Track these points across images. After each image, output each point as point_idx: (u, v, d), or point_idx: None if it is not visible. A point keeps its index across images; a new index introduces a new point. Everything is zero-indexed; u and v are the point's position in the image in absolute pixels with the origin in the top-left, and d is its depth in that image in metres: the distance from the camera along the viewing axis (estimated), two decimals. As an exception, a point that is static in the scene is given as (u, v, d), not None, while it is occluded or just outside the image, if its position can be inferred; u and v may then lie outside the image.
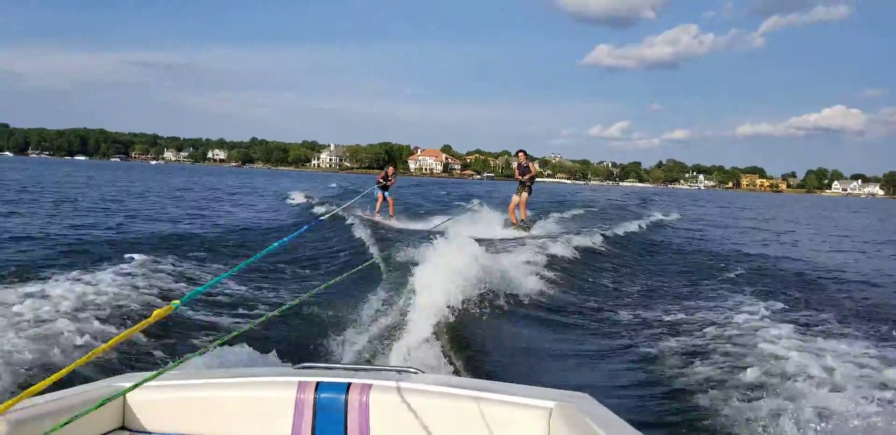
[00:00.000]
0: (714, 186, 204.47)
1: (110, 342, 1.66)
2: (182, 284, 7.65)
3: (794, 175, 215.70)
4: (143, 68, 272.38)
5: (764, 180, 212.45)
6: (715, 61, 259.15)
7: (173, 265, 8.76)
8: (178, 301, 1.84)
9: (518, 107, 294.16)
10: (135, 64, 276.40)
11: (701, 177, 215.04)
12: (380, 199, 17.30)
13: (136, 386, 1.72)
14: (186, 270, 8.63)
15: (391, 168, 17.86)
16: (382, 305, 6.47)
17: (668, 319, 7.30)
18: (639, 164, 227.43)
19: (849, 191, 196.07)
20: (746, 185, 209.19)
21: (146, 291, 6.91)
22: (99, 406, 1.64)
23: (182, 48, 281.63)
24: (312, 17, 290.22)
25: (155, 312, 1.75)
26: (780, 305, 7.73)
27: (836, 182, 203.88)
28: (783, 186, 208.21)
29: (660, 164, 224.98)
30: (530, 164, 15.12)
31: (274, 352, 4.80)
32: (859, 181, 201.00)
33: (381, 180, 17.37)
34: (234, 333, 2.22)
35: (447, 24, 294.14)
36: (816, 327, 6.56)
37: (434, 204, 28.01)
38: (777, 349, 5.40)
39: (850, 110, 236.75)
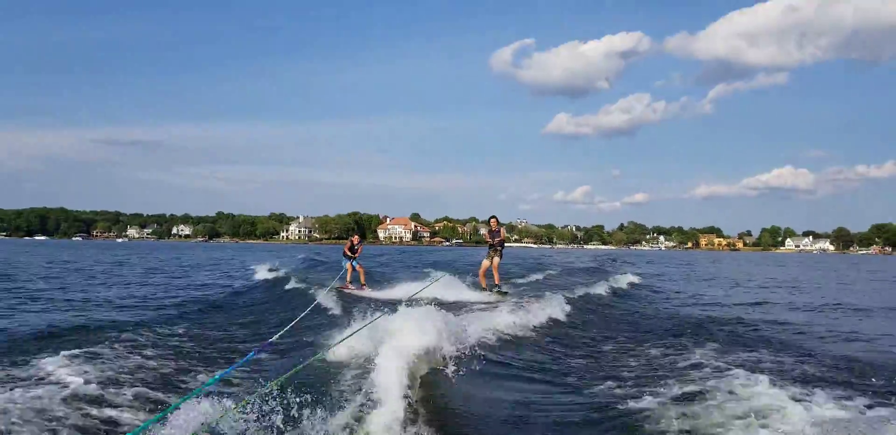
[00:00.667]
0: (674, 247, 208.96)
1: None
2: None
3: (749, 234, 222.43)
4: (105, 146, 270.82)
5: (721, 239, 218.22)
6: (668, 127, 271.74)
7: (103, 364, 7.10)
8: None
9: (485, 175, 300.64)
10: (97, 142, 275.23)
11: (661, 238, 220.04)
12: (349, 270, 17.22)
13: None
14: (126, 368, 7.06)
15: (356, 237, 17.88)
16: (342, 385, 6.07)
17: (640, 375, 7.38)
18: (602, 227, 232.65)
19: (801, 247, 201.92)
20: (705, 244, 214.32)
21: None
22: None
23: (146, 125, 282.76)
24: (277, 92, 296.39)
25: None
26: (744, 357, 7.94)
27: (789, 239, 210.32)
28: (740, 245, 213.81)
29: (621, 227, 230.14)
30: (501, 230, 15.47)
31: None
32: (810, 238, 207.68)
33: (349, 251, 17.39)
34: None
35: (415, 97, 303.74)
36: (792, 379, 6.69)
37: (405, 271, 28.06)
38: (759, 404, 5.47)
39: (798, 170, 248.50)
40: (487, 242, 15.66)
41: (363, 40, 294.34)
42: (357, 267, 17.14)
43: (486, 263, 15.30)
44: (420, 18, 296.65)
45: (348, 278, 17.10)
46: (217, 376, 2.85)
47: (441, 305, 9.12)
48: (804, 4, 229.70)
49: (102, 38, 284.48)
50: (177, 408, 4.56)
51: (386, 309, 7.43)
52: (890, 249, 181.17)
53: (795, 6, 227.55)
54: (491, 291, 15.06)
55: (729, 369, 7.10)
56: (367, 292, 16.13)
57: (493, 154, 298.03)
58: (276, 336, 8.44)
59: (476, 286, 15.64)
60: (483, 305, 12.81)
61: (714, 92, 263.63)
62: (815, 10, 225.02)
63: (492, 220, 15.65)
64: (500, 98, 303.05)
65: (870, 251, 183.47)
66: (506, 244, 15.72)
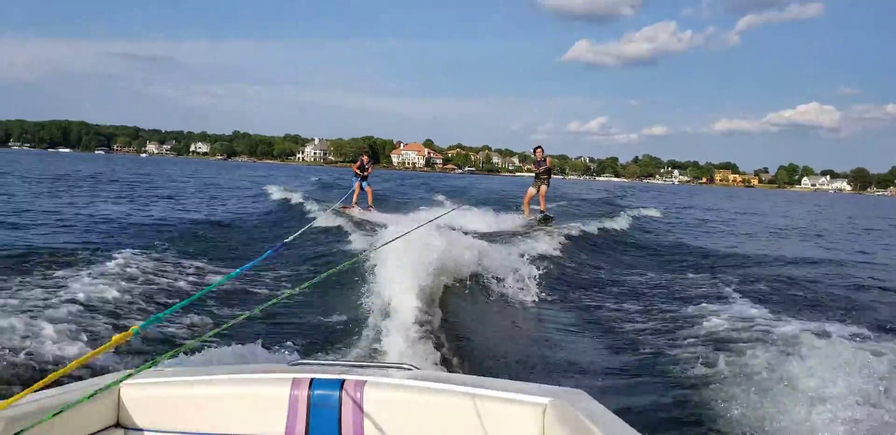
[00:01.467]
0: (688, 181, 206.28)
1: (63, 370, 1.54)
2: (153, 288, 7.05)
3: (766, 171, 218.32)
4: (122, 60, 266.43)
5: (737, 175, 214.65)
6: (693, 58, 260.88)
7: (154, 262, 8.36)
8: (137, 327, 1.74)
9: (498, 102, 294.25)
10: (114, 55, 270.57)
11: (676, 172, 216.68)
12: (356, 190, 16.58)
13: (128, 376, 1.72)
14: (164, 271, 8.09)
15: (365, 156, 17.26)
16: (373, 301, 6.19)
17: (662, 314, 7.16)
18: (616, 159, 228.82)
19: (817, 186, 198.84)
20: (720, 180, 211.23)
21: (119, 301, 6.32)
22: (90, 397, 1.66)
23: (162, 40, 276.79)
24: (294, 11, 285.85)
25: (113, 338, 1.69)
26: (763, 290, 7.74)
27: (805, 178, 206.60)
28: (755, 182, 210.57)
29: (636, 160, 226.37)
30: (547, 159, 15.22)
31: (267, 349, 4.69)
32: (828, 177, 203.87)
33: (358, 171, 16.72)
34: (226, 326, 2.08)
35: (430, 20, 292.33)
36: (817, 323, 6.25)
37: (412, 197, 27.35)
38: (774, 345, 5.25)
39: (824, 107, 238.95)
40: (533, 171, 15.48)
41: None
42: (366, 187, 16.60)
43: (531, 190, 15.10)
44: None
45: (354, 199, 16.52)
46: (234, 272, 2.76)
47: (465, 233, 8.89)
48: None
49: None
50: (196, 299, 4.44)
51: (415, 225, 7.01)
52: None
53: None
54: (536, 218, 14.82)
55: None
56: (374, 215, 15.55)
57: (509, 81, 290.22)
58: (291, 238, 8.32)
59: (519, 211, 15.52)
60: (505, 235, 12.20)
61: (743, 22, 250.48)
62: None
63: (537, 150, 15.30)
64: (520, 22, 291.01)
65: (886, 193, 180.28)
66: (549, 173, 15.15)
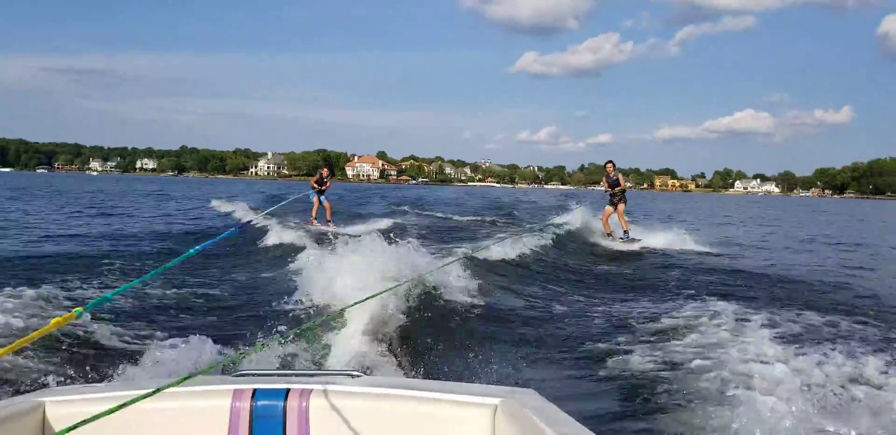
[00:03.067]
0: (631, 187, 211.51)
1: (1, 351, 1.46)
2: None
3: (703, 176, 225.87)
4: (58, 74, 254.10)
5: (675, 181, 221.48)
6: (635, 68, 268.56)
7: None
8: (80, 308, 1.64)
9: (450, 113, 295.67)
10: (47, 70, 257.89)
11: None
12: (315, 205, 16.17)
13: (55, 392, 1.62)
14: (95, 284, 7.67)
15: (325, 170, 16.66)
16: (320, 306, 6.11)
17: (612, 312, 7.17)
18: (563, 168, 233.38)
19: (748, 189, 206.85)
20: (660, 185, 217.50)
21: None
22: (12, 416, 1.53)
23: (98, 54, 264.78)
24: (239, 24, 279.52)
25: (53, 320, 1.56)
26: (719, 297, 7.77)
27: (738, 182, 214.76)
28: (692, 186, 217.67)
29: (582, 168, 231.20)
30: (619, 176, 14.31)
31: (206, 359, 4.45)
32: (758, 180, 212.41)
33: (316, 184, 16.17)
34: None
35: (380, 33, 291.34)
36: (753, 315, 6.48)
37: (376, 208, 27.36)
38: (720, 341, 5.32)
39: (759, 114, 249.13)
40: (606, 190, 14.38)
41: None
42: (324, 202, 16.14)
43: (608, 209, 14.33)
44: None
45: (313, 213, 16.20)
46: (192, 251, 2.76)
47: None
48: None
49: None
50: (147, 280, 4.32)
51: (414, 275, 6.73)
52: (830, 192, 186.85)
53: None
54: (618, 238, 14.28)
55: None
56: (333, 228, 15.22)
57: (459, 92, 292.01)
58: (257, 217, 8.31)
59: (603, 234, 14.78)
60: (451, 244, 12.27)
61: (682, 33, 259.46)
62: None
63: (608, 165, 14.48)
64: (468, 34, 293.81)
65: (808, 194, 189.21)
66: (623, 191, 14.15)
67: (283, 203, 12.60)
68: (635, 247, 13.68)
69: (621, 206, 14.13)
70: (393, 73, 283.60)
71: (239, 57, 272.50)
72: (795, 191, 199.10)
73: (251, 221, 8.31)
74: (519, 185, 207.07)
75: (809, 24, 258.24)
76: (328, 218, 16.18)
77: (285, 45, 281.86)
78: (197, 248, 2.96)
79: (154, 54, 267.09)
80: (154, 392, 1.86)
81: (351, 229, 14.84)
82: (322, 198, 16.14)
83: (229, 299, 7.37)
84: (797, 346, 5.11)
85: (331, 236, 11.46)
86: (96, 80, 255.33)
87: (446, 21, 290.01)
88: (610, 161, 14.62)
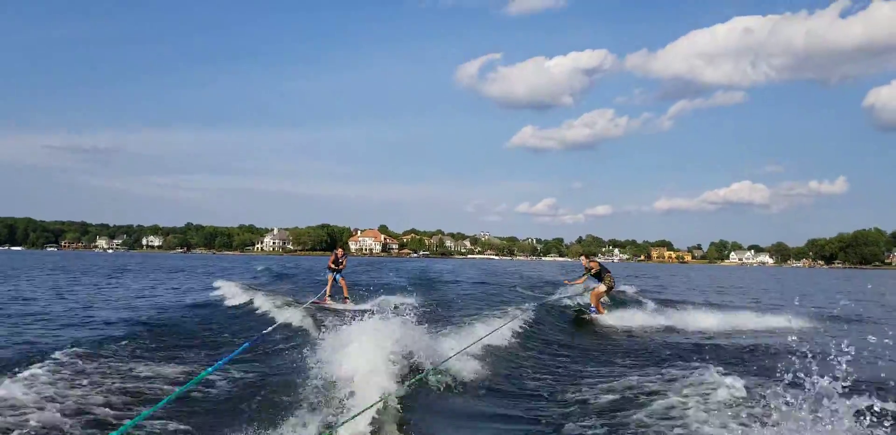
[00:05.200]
0: (628, 259, 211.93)
1: None
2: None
3: (699, 247, 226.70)
4: (63, 153, 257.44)
5: (671, 253, 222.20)
6: (630, 142, 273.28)
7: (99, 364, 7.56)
8: None
9: (450, 186, 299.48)
10: (53, 148, 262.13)
11: (616, 251, 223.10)
12: (330, 282, 16.26)
13: None
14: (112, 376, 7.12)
15: (340, 250, 16.85)
16: (324, 391, 5.90)
17: (611, 394, 6.99)
18: (561, 240, 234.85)
19: (743, 260, 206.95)
20: (657, 257, 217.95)
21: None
22: None
23: (101, 131, 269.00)
24: (239, 99, 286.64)
25: None
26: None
27: (733, 253, 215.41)
28: (688, 258, 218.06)
29: (579, 240, 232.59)
30: (591, 264, 15.70)
31: None
32: (752, 251, 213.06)
33: (333, 265, 16.36)
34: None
35: (381, 108, 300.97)
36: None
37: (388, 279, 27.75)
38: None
39: (755, 185, 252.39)
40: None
41: (328, 46, 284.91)
42: (339, 280, 16.35)
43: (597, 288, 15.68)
44: (387, 28, 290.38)
45: (328, 291, 16.29)
46: (211, 368, 2.73)
47: None
48: (758, 26, 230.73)
49: (56, 37, 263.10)
50: (174, 399, 4.23)
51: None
52: (822, 263, 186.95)
53: (750, 28, 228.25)
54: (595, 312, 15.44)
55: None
56: (351, 306, 15.21)
57: (459, 165, 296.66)
58: (270, 329, 8.38)
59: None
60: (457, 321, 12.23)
61: (674, 108, 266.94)
62: (769, 32, 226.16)
63: (582, 257, 16.67)
64: (466, 110, 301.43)
65: (800, 264, 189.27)
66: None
67: (316, 296, 13.66)
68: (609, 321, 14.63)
69: (601, 287, 15.43)
70: (394, 146, 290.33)
71: (241, 132, 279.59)
72: (789, 262, 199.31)
73: (265, 332, 8.45)
74: (518, 257, 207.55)
75: (799, 98, 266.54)
76: (345, 295, 16.17)
77: (281, 119, 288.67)
78: (212, 368, 3.03)
79: (157, 130, 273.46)
80: None
81: (368, 305, 14.69)
82: (337, 276, 16.37)
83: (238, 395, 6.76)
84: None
85: (347, 312, 11.76)
86: (100, 158, 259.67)
87: (446, 97, 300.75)
88: (583, 254, 17.21)
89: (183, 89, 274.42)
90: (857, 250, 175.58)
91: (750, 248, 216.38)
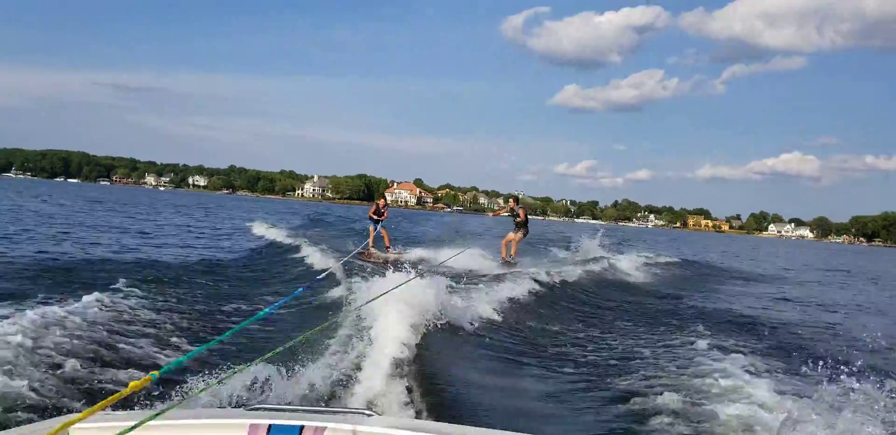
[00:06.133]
0: (663, 225, 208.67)
1: (81, 415, 1.57)
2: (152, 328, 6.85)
3: (738, 217, 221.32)
4: (111, 90, 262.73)
5: (708, 221, 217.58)
6: (679, 105, 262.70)
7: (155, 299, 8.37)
8: (156, 372, 1.70)
9: (488, 143, 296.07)
10: (102, 85, 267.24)
11: (651, 216, 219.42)
12: (371, 233, 16.43)
13: (78, 419, 1.61)
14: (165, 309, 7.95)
15: (382, 201, 17.02)
16: (340, 341, 5.99)
17: (636, 356, 7.25)
18: (596, 203, 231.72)
19: (782, 233, 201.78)
20: (693, 225, 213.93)
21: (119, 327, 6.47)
22: None
23: (151, 71, 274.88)
24: (285, 47, 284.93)
25: (131, 384, 1.64)
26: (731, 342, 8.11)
27: (772, 225, 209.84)
28: (725, 227, 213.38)
29: (615, 204, 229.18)
30: (520, 211, 16.00)
31: (224, 391, 4.43)
32: (793, 224, 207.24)
33: (374, 215, 16.45)
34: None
35: (423, 60, 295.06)
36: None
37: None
38: (738, 386, 5.61)
39: (805, 156, 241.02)
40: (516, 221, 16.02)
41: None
42: (381, 230, 16.51)
43: (510, 235, 15.93)
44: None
45: (371, 242, 16.50)
46: (263, 312, 3.02)
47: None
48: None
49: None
50: (220, 341, 4.73)
51: (414, 272, 7.17)
52: (863, 240, 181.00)
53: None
54: (507, 262, 15.47)
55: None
56: (393, 254, 15.59)
57: (498, 122, 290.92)
58: (323, 275, 9.18)
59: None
60: (486, 278, 12.40)
61: (728, 72, 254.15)
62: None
63: (510, 200, 16.68)
64: (509, 65, 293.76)
65: (840, 240, 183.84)
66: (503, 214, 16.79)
67: (359, 248, 14.65)
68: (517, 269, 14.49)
69: (519, 235, 15.74)
70: (434, 100, 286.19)
71: (284, 79, 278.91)
72: (829, 237, 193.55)
73: (320, 277, 8.93)
74: (550, 217, 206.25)
75: (862, 68, 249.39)
76: (387, 244, 16.47)
77: (325, 67, 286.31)
78: (268, 309, 3.14)
79: (202, 74, 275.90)
80: (166, 410, 1.91)
81: (411, 255, 15.38)
82: (378, 226, 16.54)
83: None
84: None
85: (388, 265, 12.02)
86: (147, 96, 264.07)
87: (490, 50, 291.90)
88: (512, 197, 17.26)
89: (227, 37, 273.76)
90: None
91: (791, 221, 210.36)
